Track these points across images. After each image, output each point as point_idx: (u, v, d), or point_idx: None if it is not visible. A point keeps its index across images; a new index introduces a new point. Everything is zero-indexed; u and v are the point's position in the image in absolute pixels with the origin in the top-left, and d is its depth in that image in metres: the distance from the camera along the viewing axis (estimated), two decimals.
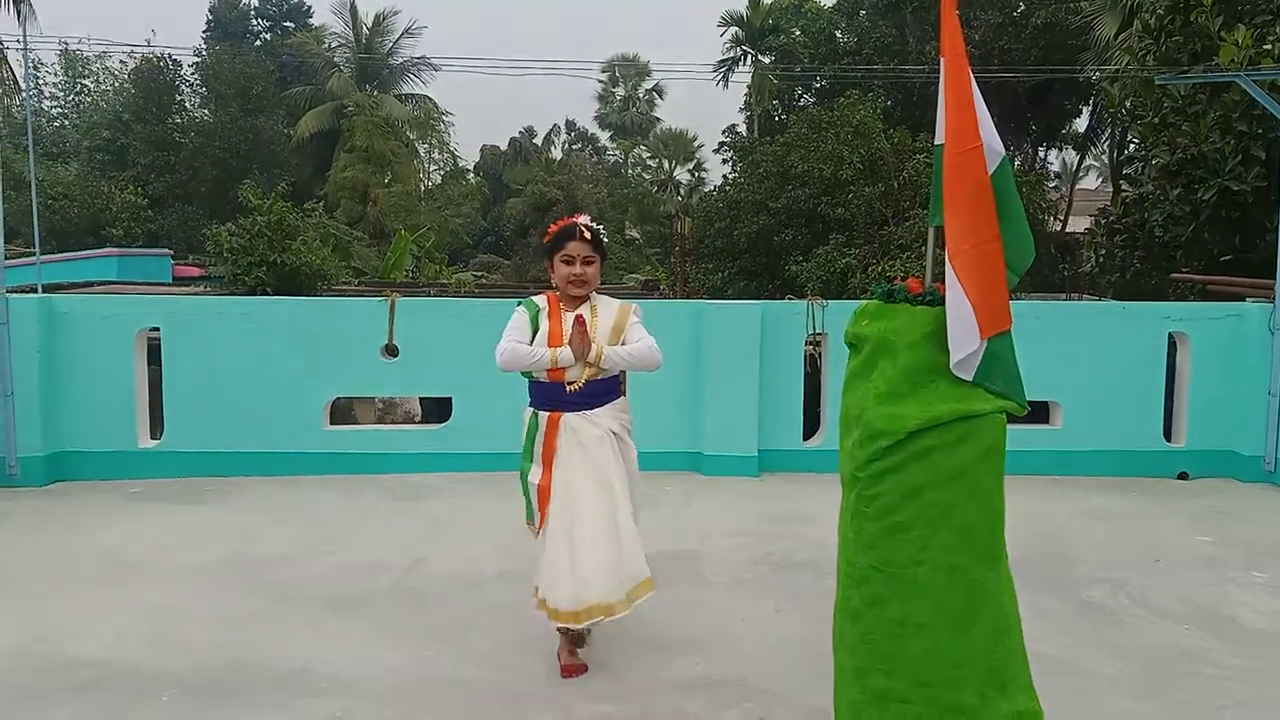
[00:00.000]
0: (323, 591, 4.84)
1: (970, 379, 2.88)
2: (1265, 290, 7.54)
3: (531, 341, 3.86)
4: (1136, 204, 11.85)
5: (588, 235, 3.87)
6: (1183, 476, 7.37)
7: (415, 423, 11.28)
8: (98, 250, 22.73)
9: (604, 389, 3.94)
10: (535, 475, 3.94)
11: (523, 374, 3.96)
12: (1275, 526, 6.25)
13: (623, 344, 3.91)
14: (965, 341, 2.85)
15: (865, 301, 3.16)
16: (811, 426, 7.65)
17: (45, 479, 6.93)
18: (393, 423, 13.23)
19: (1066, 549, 5.57)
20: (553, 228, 3.98)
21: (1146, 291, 12.26)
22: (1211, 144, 9.60)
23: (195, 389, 7.15)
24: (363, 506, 6.48)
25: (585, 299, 3.94)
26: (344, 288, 19.69)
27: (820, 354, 7.77)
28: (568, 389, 3.87)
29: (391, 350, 7.28)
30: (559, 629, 3.87)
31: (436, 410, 8.49)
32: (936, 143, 2.96)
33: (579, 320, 3.81)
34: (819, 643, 3.92)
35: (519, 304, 4.00)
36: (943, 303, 2.96)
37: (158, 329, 7.20)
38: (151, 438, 7.32)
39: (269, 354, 7.19)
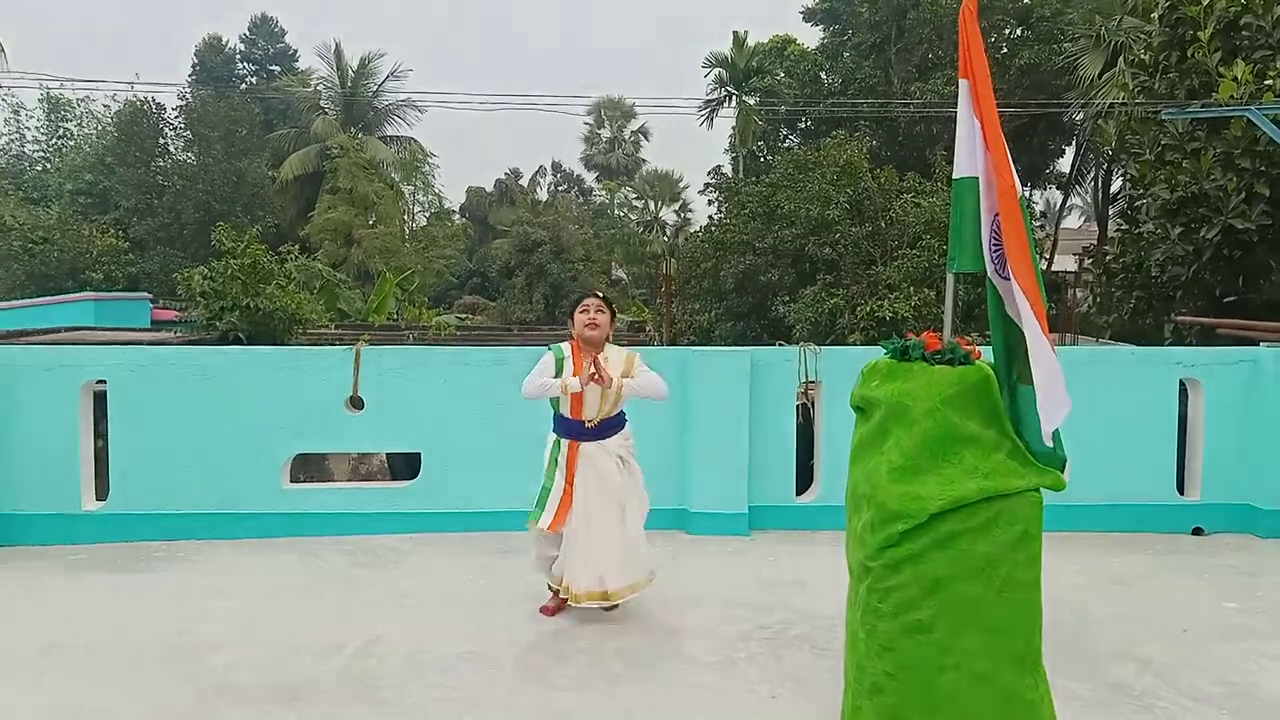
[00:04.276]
0: (264, 679, 4.33)
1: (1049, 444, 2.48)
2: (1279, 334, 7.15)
3: (556, 377, 4.89)
4: (1134, 243, 11.52)
5: (600, 295, 5.06)
6: (1197, 532, 6.94)
7: (385, 475, 10.79)
8: (73, 295, 22.22)
9: (612, 424, 5.01)
10: (559, 486, 4.95)
11: (551, 405, 5.00)
12: None
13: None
14: (1062, 400, 2.44)
15: (875, 360, 2.73)
16: (805, 480, 7.19)
17: None
18: (367, 473, 12.74)
19: (1084, 620, 5.10)
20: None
21: (1143, 333, 11.92)
22: (1213, 181, 9.27)
23: (144, 446, 6.64)
24: (320, 573, 5.97)
25: (601, 346, 4.95)
26: (322, 331, 19.23)
27: (813, 402, 7.34)
28: (585, 425, 4.93)
29: (357, 403, 6.81)
30: (566, 603, 5.00)
31: (405, 466, 8.01)
32: (956, 175, 2.55)
33: (595, 359, 4.85)
34: None
35: (549, 348, 5.04)
36: (965, 361, 2.54)
37: (105, 381, 6.72)
38: (97, 498, 6.81)
39: (224, 407, 6.69)
